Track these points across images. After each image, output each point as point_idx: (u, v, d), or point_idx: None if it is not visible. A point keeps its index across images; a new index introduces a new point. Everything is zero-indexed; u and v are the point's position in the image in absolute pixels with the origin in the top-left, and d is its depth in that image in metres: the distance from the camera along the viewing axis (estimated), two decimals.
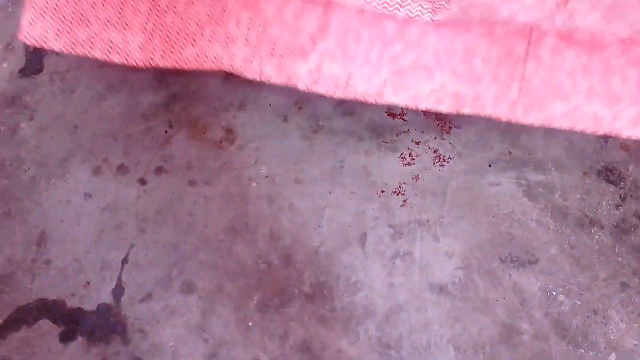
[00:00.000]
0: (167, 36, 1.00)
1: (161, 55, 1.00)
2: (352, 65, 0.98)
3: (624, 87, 0.91)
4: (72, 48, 1.04)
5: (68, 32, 1.05)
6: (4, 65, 1.30)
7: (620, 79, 0.91)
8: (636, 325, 1.00)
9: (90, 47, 1.03)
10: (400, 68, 0.97)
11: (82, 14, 1.03)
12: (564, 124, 0.88)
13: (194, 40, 1.00)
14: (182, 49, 1.00)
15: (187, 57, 1.00)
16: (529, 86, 0.91)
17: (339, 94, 1.00)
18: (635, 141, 1.17)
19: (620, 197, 1.12)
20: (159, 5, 1.01)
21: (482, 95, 0.92)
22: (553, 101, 0.90)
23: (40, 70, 1.29)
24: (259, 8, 0.98)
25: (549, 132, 1.17)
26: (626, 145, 1.17)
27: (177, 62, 1.00)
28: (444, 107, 0.95)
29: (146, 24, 1.01)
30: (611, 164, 1.15)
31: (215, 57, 1.00)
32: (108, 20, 1.02)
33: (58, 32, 1.04)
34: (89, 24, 1.02)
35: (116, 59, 1.03)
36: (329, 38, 0.97)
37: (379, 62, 0.98)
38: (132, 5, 1.01)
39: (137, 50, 1.01)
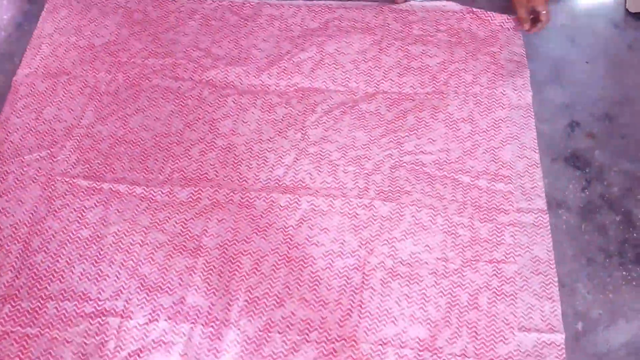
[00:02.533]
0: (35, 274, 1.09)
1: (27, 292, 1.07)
2: None
3: (437, 313, 1.04)
4: None
5: None
6: None
7: (434, 306, 1.05)
8: (601, 296, 1.08)
9: None
10: None
11: None
12: (395, 344, 1.02)
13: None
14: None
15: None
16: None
17: None
18: (601, 130, 1.26)
19: (587, 180, 1.20)
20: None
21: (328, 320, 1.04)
22: (385, 325, 1.03)
23: None
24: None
25: None
26: (592, 134, 1.26)
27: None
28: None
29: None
30: (578, 151, 1.24)
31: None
32: None
33: None
34: None
35: None
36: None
37: None
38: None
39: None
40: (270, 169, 1.22)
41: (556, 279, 1.08)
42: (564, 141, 1.25)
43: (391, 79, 1.34)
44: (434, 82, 1.33)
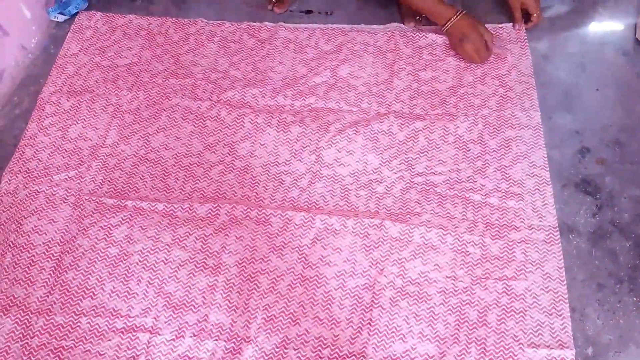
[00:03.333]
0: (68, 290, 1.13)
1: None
2: None
3: (446, 330, 1.07)
4: None
5: None
6: None
7: (443, 324, 1.07)
8: (611, 322, 1.09)
9: None
10: None
11: None
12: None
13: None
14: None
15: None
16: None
17: None
18: (611, 156, 1.28)
19: (597, 206, 1.22)
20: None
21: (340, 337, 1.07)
22: (394, 342, 1.06)
23: None
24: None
25: None
26: (602, 160, 1.28)
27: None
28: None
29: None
30: (588, 177, 1.26)
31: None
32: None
33: None
34: None
35: None
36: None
37: None
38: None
39: None
40: (286, 190, 1.26)
41: (566, 296, 1.10)
42: (574, 167, 1.27)
43: (402, 101, 1.38)
44: (444, 104, 1.36)
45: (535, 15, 1.44)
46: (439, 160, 1.27)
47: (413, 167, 1.27)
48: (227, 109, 1.39)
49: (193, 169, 1.30)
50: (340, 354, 1.05)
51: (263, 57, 1.50)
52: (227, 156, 1.31)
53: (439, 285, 1.11)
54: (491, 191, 1.22)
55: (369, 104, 1.38)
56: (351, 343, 1.06)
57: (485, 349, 1.05)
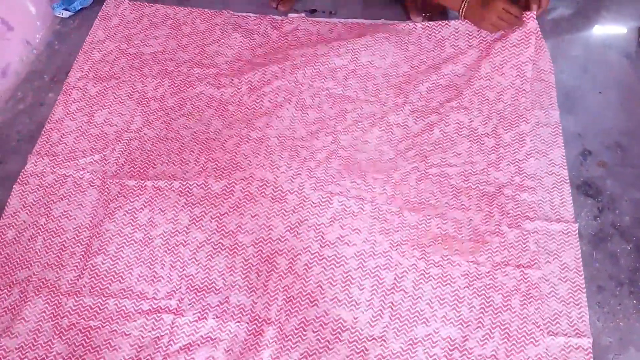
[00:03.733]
0: None
1: None
2: None
3: (470, 314, 1.08)
4: None
5: None
6: (50, 95, 1.48)
7: (468, 307, 1.08)
8: (611, 324, 1.09)
9: None
10: None
11: None
12: (426, 343, 1.05)
13: None
14: None
15: None
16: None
17: None
18: (613, 159, 1.29)
19: (598, 209, 1.23)
20: None
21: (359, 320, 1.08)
22: (417, 326, 1.07)
23: None
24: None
25: None
26: (604, 163, 1.28)
27: None
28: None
29: None
30: (590, 180, 1.26)
31: None
32: None
33: None
34: None
35: None
36: None
37: None
38: None
39: None
40: (303, 160, 1.26)
41: (584, 286, 1.11)
42: (576, 169, 1.28)
43: (420, 93, 1.37)
44: (460, 97, 1.35)
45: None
46: (453, 153, 1.28)
47: (427, 158, 1.27)
48: (248, 91, 1.40)
49: (209, 142, 1.31)
50: (360, 337, 1.05)
51: (286, 47, 1.50)
52: (243, 129, 1.32)
53: (462, 268, 1.12)
54: (505, 184, 1.22)
55: (387, 95, 1.38)
56: (371, 326, 1.06)
57: (508, 334, 1.05)
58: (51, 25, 1.62)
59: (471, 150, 1.28)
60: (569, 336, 1.06)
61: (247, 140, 1.30)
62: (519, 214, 1.18)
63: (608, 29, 1.55)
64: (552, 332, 1.06)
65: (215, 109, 1.38)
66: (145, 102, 1.41)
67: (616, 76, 1.43)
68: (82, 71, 1.48)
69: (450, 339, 1.05)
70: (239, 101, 1.39)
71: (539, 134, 1.30)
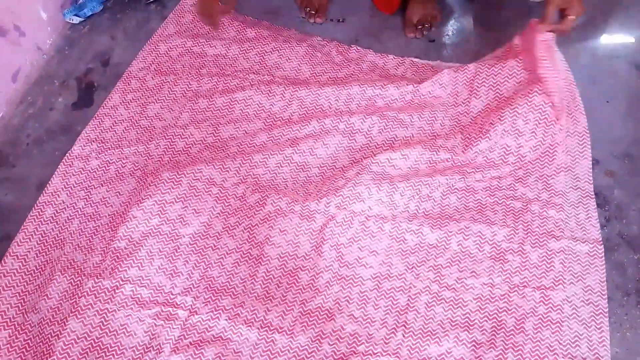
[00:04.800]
0: None
1: None
2: None
3: (482, 336, 1.07)
4: None
5: None
6: (60, 99, 1.49)
7: (479, 330, 1.08)
8: (618, 334, 1.09)
9: None
10: None
11: None
12: None
13: None
14: None
15: None
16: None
17: None
18: (621, 168, 1.29)
19: (605, 218, 1.22)
20: None
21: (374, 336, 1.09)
22: (430, 345, 1.07)
23: (90, 104, 1.48)
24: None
25: None
26: (611, 172, 1.28)
27: None
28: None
29: None
30: (597, 189, 1.26)
31: None
32: None
33: None
34: None
35: None
36: None
37: None
38: None
39: None
40: (332, 181, 1.26)
41: (607, 310, 1.09)
42: None
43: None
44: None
45: (572, 17, 1.23)
46: (480, 169, 1.27)
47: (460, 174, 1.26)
48: (298, 109, 1.40)
49: (253, 155, 1.31)
50: (375, 352, 1.06)
51: (348, 74, 1.48)
52: (287, 148, 1.32)
53: (476, 292, 1.11)
54: (532, 200, 1.22)
55: (442, 126, 1.35)
56: (385, 342, 1.07)
57: (522, 355, 1.05)
58: (62, 31, 1.64)
59: (500, 165, 1.26)
60: None
61: (289, 163, 1.30)
62: (544, 232, 1.17)
63: (616, 39, 1.55)
64: (571, 356, 1.05)
65: (264, 122, 1.38)
66: (195, 99, 1.42)
67: (624, 86, 1.43)
68: (145, 62, 1.51)
69: (464, 359, 1.05)
70: (288, 118, 1.38)
71: (566, 143, 1.28)
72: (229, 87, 1.44)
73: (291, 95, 1.41)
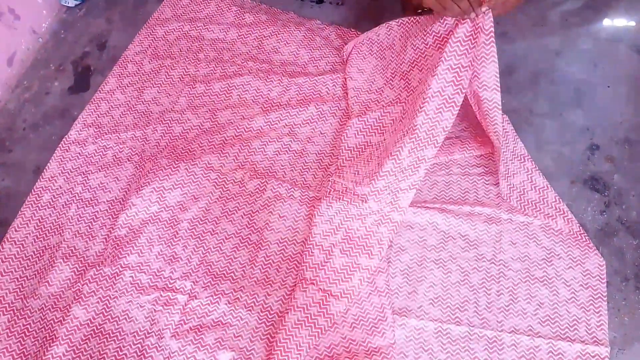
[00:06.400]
0: None
1: None
2: None
3: None
4: None
5: None
6: (56, 83, 1.48)
7: None
8: (616, 319, 1.09)
9: None
10: None
11: None
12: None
13: None
14: None
15: None
16: None
17: None
18: (621, 153, 1.28)
19: (605, 204, 1.22)
20: None
21: None
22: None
23: (86, 88, 1.46)
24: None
25: (539, 145, 1.29)
26: (611, 157, 1.27)
27: None
28: None
29: None
30: (597, 174, 1.25)
31: None
32: None
33: None
34: None
35: None
36: None
37: None
38: None
39: None
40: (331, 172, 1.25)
41: (605, 294, 1.10)
42: (583, 164, 1.27)
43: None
44: None
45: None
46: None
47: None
48: (296, 95, 1.38)
49: (251, 140, 1.30)
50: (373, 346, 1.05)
51: (350, 60, 1.41)
52: (285, 136, 1.31)
53: None
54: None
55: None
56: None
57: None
58: (57, 14, 1.61)
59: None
60: (587, 343, 1.05)
61: (287, 151, 1.29)
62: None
63: (617, 23, 1.53)
64: (570, 338, 1.05)
65: (261, 107, 1.37)
66: (192, 83, 1.41)
67: (625, 70, 1.42)
68: (141, 46, 1.49)
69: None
70: (286, 103, 1.37)
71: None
72: (226, 73, 1.43)
73: (289, 82, 1.40)
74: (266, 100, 1.38)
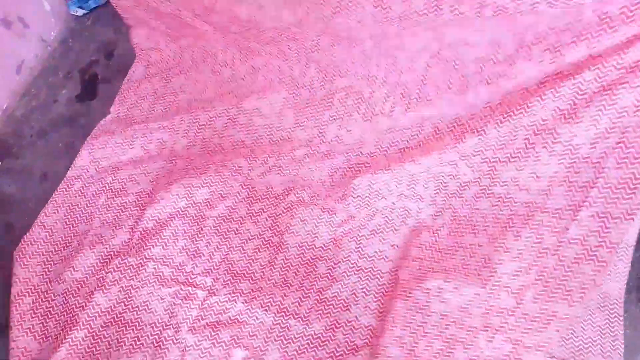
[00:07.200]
0: None
1: None
2: None
3: None
4: None
5: None
6: (64, 91, 1.49)
7: None
8: None
9: None
10: None
11: None
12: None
13: None
14: None
15: None
16: None
17: None
18: None
19: None
20: None
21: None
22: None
23: (94, 96, 1.48)
24: None
25: None
26: None
27: None
28: None
29: None
30: None
31: None
32: None
33: None
34: None
35: None
36: None
37: None
38: None
39: None
40: (360, 179, 1.22)
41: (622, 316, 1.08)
42: None
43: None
44: None
45: None
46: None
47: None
48: (317, 74, 1.31)
49: (281, 143, 1.30)
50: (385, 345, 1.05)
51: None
52: (315, 137, 1.30)
53: None
54: None
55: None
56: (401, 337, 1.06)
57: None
58: (66, 23, 1.64)
59: None
60: None
61: (315, 153, 1.28)
62: None
63: None
64: None
65: (287, 91, 1.33)
66: (219, 68, 1.39)
67: None
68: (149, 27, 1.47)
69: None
70: (310, 85, 1.31)
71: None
72: (246, 56, 1.36)
73: (307, 59, 1.30)
74: (291, 80, 1.33)
